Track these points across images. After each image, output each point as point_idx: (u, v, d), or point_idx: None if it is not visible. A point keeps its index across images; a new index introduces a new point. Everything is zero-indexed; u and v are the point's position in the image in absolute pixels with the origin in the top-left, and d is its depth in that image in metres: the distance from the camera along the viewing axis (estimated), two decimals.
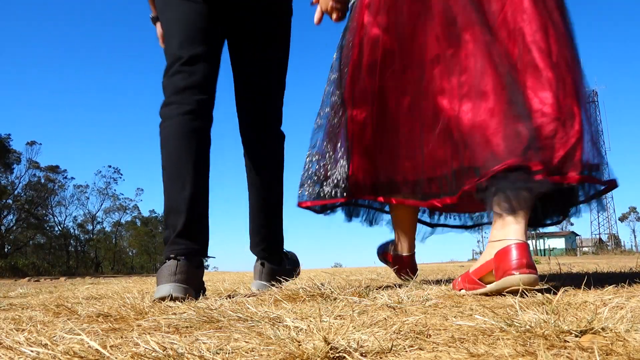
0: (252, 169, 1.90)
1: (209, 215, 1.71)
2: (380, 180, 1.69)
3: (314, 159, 1.80)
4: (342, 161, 1.69)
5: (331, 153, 1.73)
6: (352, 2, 1.69)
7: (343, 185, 1.71)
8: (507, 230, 1.39)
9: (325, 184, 1.76)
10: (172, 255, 1.58)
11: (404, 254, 1.97)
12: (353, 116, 1.65)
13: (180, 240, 1.59)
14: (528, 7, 1.37)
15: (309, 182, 1.83)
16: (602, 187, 1.52)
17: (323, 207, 1.87)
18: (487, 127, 1.33)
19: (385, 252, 2.10)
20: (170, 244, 1.60)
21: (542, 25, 1.36)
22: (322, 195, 1.78)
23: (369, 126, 1.63)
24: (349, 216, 2.02)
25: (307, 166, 1.83)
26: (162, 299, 1.49)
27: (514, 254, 1.36)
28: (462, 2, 1.39)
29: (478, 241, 49.32)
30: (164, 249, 1.62)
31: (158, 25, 1.96)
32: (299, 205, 1.88)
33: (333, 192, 1.73)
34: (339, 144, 1.71)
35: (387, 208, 2.00)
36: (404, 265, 2.02)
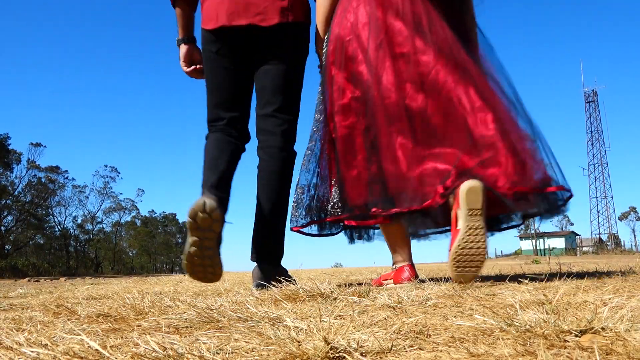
0: (261, 183, 2.14)
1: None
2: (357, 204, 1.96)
3: (304, 190, 2.13)
4: (329, 191, 2.05)
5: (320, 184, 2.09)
6: (323, 61, 2.11)
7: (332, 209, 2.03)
8: (403, 255, 2.05)
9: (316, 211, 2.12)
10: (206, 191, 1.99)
11: (406, 263, 2.05)
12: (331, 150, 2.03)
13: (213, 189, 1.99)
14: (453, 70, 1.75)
15: (303, 210, 2.15)
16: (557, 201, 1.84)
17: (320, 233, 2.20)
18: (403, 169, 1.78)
19: (379, 279, 2.21)
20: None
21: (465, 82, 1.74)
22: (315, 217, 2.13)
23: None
24: (351, 239, 2.27)
25: (298, 197, 2.14)
26: (203, 204, 1.79)
27: (406, 272, 2.02)
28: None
29: None
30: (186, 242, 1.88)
31: (182, 47, 2.31)
32: (292, 229, 2.18)
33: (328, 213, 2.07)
34: (324, 176, 2.05)
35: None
36: (407, 273, 2.05)
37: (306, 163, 2.14)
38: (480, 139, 1.65)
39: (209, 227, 1.78)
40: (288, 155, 2.14)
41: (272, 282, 1.97)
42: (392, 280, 2.06)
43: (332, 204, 2.01)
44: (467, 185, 1.58)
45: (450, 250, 1.65)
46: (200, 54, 2.32)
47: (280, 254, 2.17)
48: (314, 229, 2.18)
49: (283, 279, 2.01)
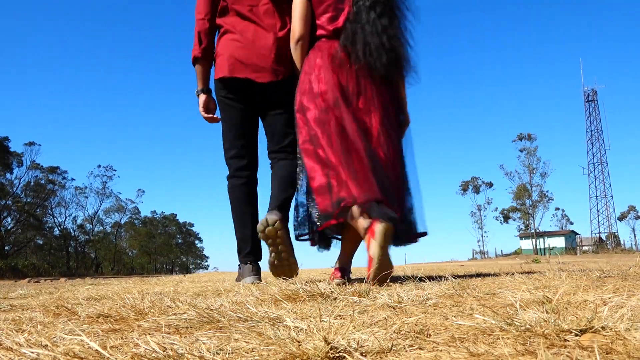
0: (274, 185, 2.70)
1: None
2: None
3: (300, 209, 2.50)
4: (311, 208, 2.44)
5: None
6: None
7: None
8: (339, 259, 2.49)
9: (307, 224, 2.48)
10: (249, 262, 2.68)
11: (337, 266, 2.45)
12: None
13: (250, 256, 2.70)
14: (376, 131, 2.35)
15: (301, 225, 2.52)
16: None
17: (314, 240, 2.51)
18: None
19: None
20: (245, 256, 2.70)
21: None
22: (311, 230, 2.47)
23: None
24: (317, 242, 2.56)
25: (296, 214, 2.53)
26: (251, 284, 2.37)
27: (335, 273, 2.41)
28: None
29: (478, 241, 49.30)
30: (241, 258, 2.71)
31: (201, 96, 2.81)
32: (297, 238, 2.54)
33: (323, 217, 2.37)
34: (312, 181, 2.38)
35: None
36: (333, 274, 2.42)
37: (300, 185, 2.51)
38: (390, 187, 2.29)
39: (277, 233, 2.36)
40: (292, 169, 2.60)
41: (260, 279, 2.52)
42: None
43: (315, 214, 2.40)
44: (383, 226, 2.05)
45: (369, 270, 2.11)
46: (214, 103, 2.86)
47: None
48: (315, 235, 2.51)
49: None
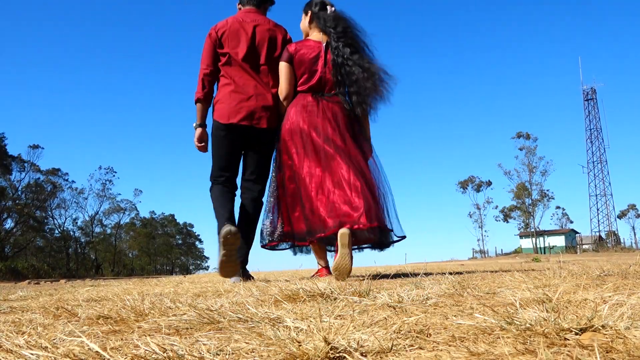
0: (241, 215, 3.32)
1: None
2: (297, 231, 3.17)
3: (265, 222, 3.33)
4: (277, 224, 3.28)
5: (272, 218, 3.30)
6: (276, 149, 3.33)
7: (278, 235, 3.28)
8: (322, 261, 3.38)
9: (270, 234, 3.31)
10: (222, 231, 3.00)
11: (325, 265, 3.36)
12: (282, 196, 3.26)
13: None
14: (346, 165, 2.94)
15: (263, 234, 3.35)
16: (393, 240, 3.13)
17: (272, 247, 3.36)
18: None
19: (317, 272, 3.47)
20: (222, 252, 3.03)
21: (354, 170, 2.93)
22: (270, 240, 3.31)
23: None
24: (293, 251, 3.48)
25: (264, 228, 3.34)
26: (229, 230, 2.90)
27: (324, 271, 3.31)
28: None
29: (478, 240, 49.29)
30: (219, 252, 3.01)
31: (198, 129, 3.30)
32: (261, 246, 3.37)
33: (275, 238, 3.30)
34: (276, 213, 3.27)
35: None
36: (324, 272, 3.32)
37: (268, 208, 3.34)
38: (354, 206, 2.80)
39: (233, 243, 2.90)
40: (259, 204, 3.36)
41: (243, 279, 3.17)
42: (319, 275, 3.33)
43: (278, 232, 3.27)
44: (342, 231, 2.70)
45: (333, 264, 2.73)
46: (207, 135, 3.36)
47: (247, 260, 3.40)
48: (274, 246, 3.38)
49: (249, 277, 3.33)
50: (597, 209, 52.60)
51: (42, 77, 71.67)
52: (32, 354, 0.86)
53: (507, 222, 49.74)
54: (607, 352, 0.74)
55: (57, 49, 72.42)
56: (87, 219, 46.21)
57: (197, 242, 67.28)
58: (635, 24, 76.36)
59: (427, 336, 0.92)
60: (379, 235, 2.92)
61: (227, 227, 2.86)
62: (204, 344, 0.94)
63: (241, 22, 3.27)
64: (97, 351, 0.84)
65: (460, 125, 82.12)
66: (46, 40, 72.52)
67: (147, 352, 0.84)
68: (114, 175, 47.56)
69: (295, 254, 3.46)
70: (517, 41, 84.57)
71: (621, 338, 0.80)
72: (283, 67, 3.15)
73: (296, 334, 0.92)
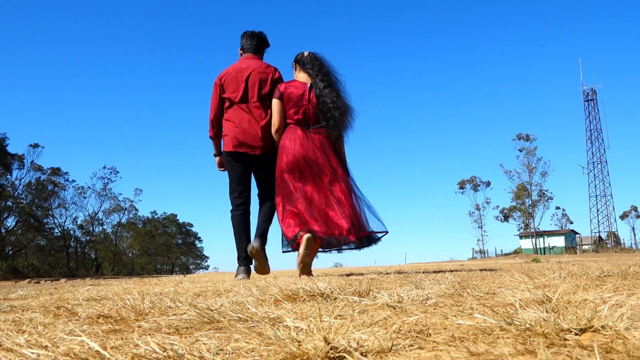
0: (260, 221, 4.14)
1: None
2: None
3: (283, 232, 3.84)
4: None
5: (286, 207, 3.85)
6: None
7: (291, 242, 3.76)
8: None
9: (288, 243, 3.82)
10: (242, 264, 4.05)
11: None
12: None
13: (243, 261, 4.06)
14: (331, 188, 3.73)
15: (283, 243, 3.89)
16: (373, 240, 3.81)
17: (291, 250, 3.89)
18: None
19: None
20: (240, 260, 4.07)
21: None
22: (288, 248, 3.85)
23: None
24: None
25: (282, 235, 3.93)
26: (254, 245, 3.89)
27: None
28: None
29: (478, 240, 49.27)
30: (238, 261, 4.08)
31: (217, 158, 4.30)
32: (283, 252, 3.98)
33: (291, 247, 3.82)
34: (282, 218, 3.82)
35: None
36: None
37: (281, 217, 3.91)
38: (338, 218, 3.57)
39: (257, 254, 3.93)
40: (271, 209, 4.11)
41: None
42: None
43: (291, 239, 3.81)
44: (305, 236, 3.50)
45: (298, 260, 3.55)
46: (223, 161, 4.31)
47: (265, 241, 4.19)
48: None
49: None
50: (597, 210, 52.60)
51: (43, 76, 71.71)
52: (32, 352, 0.86)
53: (507, 222, 49.77)
54: (606, 353, 0.74)
55: (58, 48, 72.47)
56: (88, 218, 46.23)
57: (196, 242, 67.30)
58: (635, 24, 76.30)
59: (427, 336, 0.92)
60: (365, 241, 3.73)
61: (250, 245, 3.93)
62: (204, 344, 0.94)
63: (239, 69, 4.12)
64: (97, 350, 0.84)
65: (461, 125, 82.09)
66: (47, 39, 72.57)
67: (147, 351, 0.84)
68: (116, 175, 47.62)
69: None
70: (518, 42, 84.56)
71: (621, 338, 0.80)
72: (275, 103, 3.92)
73: (296, 334, 0.92)
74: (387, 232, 3.74)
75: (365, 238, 3.68)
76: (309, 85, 3.88)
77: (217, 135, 4.19)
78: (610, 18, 79.68)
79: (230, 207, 4.16)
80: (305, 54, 4.03)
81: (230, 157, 4.11)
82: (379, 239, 3.76)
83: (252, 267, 4.10)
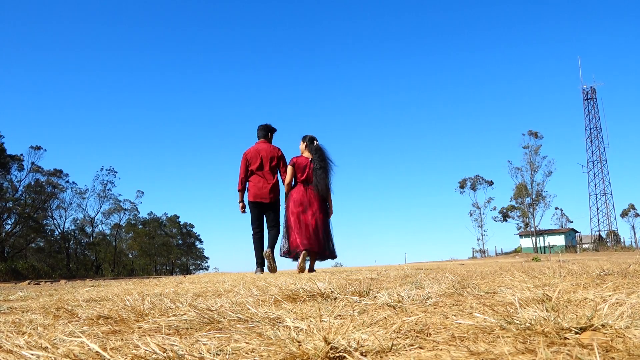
0: (269, 237, 6.63)
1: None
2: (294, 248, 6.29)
3: (282, 242, 6.41)
4: (287, 245, 6.33)
5: (284, 241, 6.41)
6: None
7: (288, 251, 6.32)
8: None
9: (286, 252, 6.35)
10: (259, 266, 6.61)
11: (301, 266, 6.11)
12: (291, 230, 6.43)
13: (260, 265, 6.59)
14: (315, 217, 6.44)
15: (281, 250, 6.44)
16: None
17: (284, 255, 6.42)
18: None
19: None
20: (257, 264, 6.60)
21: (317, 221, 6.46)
22: (287, 253, 6.34)
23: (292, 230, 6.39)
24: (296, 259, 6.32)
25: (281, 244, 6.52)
26: (266, 251, 6.47)
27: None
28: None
29: (478, 239, 49.28)
30: (256, 265, 6.62)
31: (240, 204, 6.61)
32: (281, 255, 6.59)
33: (289, 252, 6.35)
34: (286, 239, 6.36)
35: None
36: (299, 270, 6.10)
37: (283, 236, 6.35)
38: (317, 240, 6.18)
39: (269, 256, 6.28)
40: (276, 233, 6.54)
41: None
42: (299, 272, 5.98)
43: (285, 248, 6.24)
44: (302, 252, 6.02)
45: (297, 265, 6.07)
46: (245, 206, 6.65)
47: (274, 248, 6.58)
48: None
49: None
50: (597, 208, 52.61)
51: (44, 78, 71.65)
52: (32, 354, 0.86)
53: (506, 221, 49.76)
54: (606, 352, 0.74)
55: (57, 49, 72.44)
56: (88, 219, 46.19)
57: (197, 242, 67.30)
58: (635, 23, 76.28)
59: (427, 336, 0.92)
60: (325, 255, 6.27)
61: (265, 250, 6.32)
62: (204, 344, 0.94)
63: (257, 150, 6.61)
64: (97, 351, 0.84)
65: (461, 124, 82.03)
66: (47, 40, 72.53)
67: (147, 352, 0.84)
68: (115, 176, 47.51)
69: (295, 260, 6.24)
70: (517, 41, 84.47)
71: (621, 337, 0.80)
72: (289, 169, 6.33)
73: (296, 334, 0.92)
74: (335, 257, 6.54)
75: (326, 255, 6.33)
76: (310, 159, 6.34)
77: (242, 190, 6.65)
78: (609, 17, 79.63)
79: (252, 232, 6.65)
80: (315, 143, 6.46)
81: (252, 204, 6.57)
82: (333, 256, 6.46)
83: (265, 268, 6.41)
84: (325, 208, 6.35)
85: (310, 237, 6.07)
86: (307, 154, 6.33)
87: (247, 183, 6.57)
